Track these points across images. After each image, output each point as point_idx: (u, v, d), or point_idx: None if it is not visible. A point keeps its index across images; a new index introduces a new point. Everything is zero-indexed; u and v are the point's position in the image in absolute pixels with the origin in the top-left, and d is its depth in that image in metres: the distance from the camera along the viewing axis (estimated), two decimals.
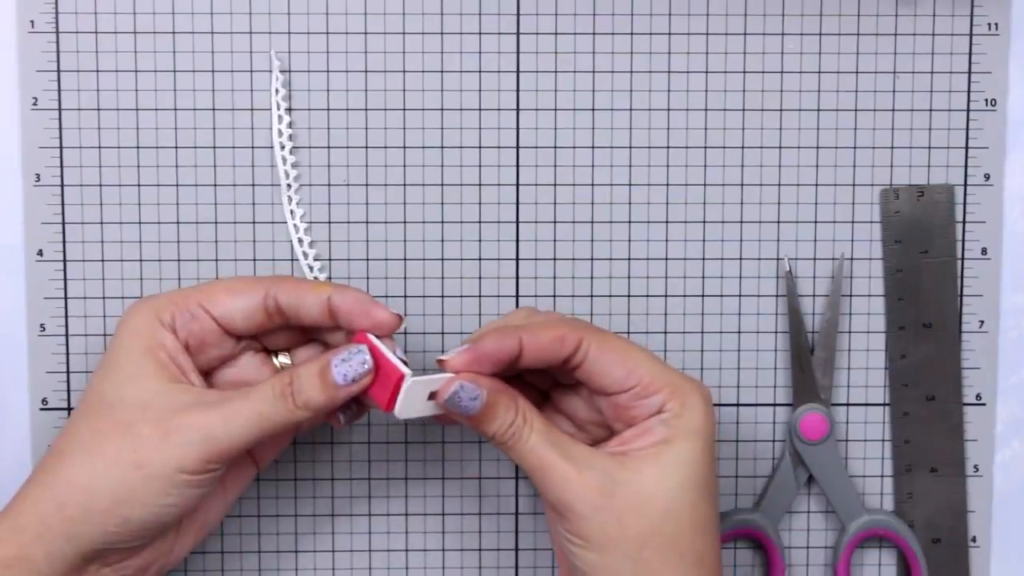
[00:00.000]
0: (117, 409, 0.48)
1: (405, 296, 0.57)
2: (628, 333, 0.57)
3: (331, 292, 0.49)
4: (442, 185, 0.56)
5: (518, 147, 0.56)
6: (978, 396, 0.58)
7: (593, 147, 0.56)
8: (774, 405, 0.58)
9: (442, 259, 0.57)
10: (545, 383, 0.52)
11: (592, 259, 0.57)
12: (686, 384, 0.48)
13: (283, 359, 0.52)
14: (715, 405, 0.57)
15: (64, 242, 0.56)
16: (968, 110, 0.57)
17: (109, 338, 0.56)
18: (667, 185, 0.57)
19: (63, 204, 0.56)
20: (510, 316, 0.52)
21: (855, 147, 0.57)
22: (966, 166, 0.57)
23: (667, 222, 0.57)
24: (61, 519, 0.47)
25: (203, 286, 0.50)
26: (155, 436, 0.47)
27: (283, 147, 0.56)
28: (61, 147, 0.55)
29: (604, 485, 0.47)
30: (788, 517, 0.58)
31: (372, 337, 0.48)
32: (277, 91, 0.55)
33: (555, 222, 0.57)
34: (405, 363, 0.48)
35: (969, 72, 0.57)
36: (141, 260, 0.56)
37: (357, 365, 0.48)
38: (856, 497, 0.58)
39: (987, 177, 0.57)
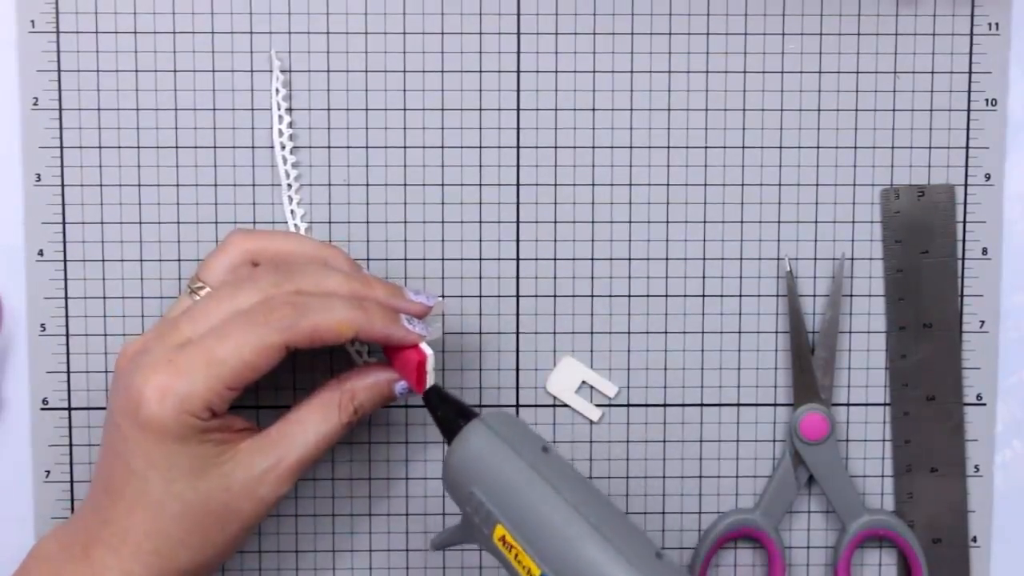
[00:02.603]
0: (206, 503, 0.49)
1: None
2: (628, 333, 0.57)
3: (356, 331, 0.49)
4: (442, 185, 0.56)
5: (518, 147, 0.56)
6: (978, 396, 0.58)
7: (593, 147, 0.56)
8: (774, 405, 0.58)
9: (442, 259, 0.57)
10: None
11: (592, 259, 0.57)
12: None
13: None
14: (715, 405, 0.57)
15: (64, 242, 0.56)
16: (968, 110, 0.57)
17: (110, 338, 0.56)
18: (667, 185, 0.57)
19: (63, 204, 0.56)
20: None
21: (855, 147, 0.57)
22: (966, 166, 0.57)
23: (667, 222, 0.57)
24: None
25: (214, 368, 0.47)
26: (253, 508, 0.50)
27: (283, 147, 0.56)
28: (61, 147, 0.55)
29: None
30: (788, 517, 0.58)
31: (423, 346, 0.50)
32: (277, 91, 0.55)
33: (555, 222, 0.57)
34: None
35: (969, 72, 0.57)
36: (141, 260, 0.56)
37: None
38: (856, 497, 0.57)
39: (987, 177, 0.57)
